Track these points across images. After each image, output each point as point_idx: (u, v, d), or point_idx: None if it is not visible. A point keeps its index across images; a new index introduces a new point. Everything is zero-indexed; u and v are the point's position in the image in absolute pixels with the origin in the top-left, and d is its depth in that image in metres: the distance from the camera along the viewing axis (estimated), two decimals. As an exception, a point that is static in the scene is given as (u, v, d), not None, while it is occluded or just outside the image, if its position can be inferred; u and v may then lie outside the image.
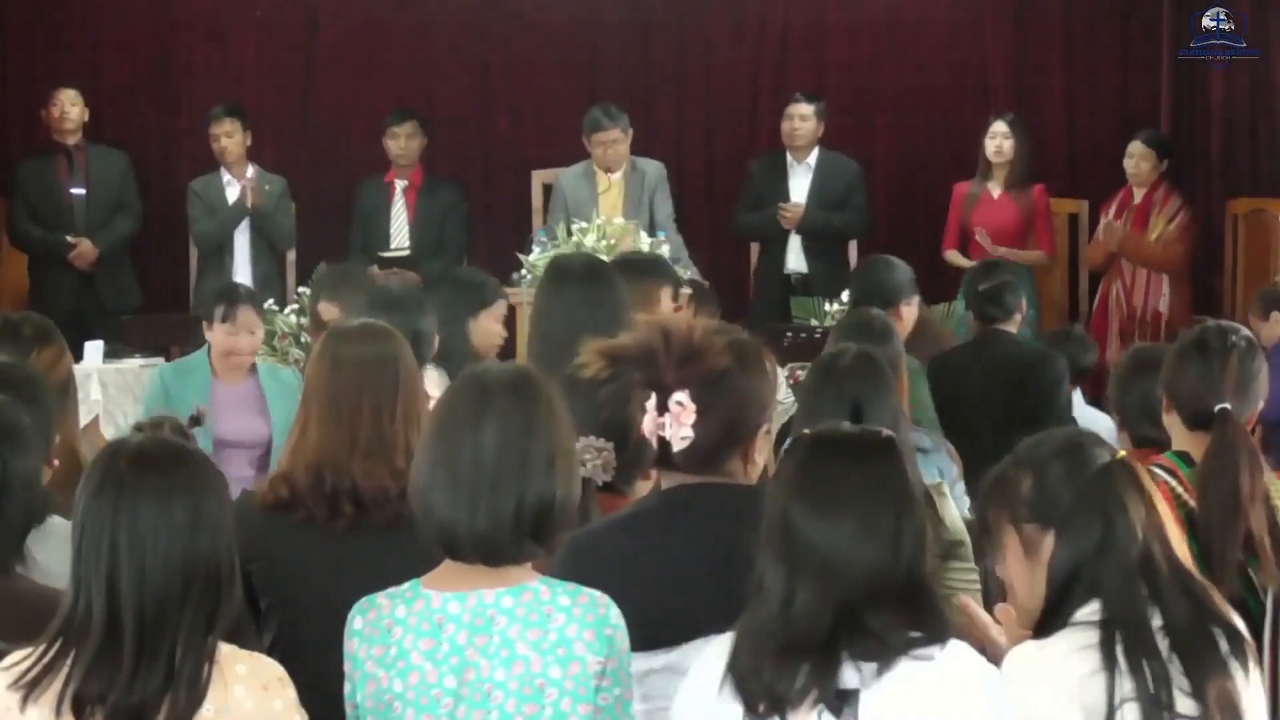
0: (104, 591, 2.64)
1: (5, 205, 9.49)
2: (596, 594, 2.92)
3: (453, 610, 2.87)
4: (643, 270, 5.23)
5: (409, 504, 2.99)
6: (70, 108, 9.28)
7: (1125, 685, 2.73)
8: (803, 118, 9.23)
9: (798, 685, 2.61)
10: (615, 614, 2.91)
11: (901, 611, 2.63)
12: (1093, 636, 2.77)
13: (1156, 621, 2.77)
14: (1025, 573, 2.89)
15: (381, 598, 2.90)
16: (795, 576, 2.64)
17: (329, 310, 6.30)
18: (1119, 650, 2.74)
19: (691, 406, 3.06)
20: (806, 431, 2.80)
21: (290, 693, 2.74)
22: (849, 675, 2.62)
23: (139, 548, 2.64)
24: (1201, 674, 2.75)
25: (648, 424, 3.08)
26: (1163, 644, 2.76)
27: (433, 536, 2.90)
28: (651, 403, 3.08)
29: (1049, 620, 2.84)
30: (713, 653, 2.74)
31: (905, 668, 2.62)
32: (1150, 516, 2.82)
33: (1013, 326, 6.58)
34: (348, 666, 2.90)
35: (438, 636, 2.85)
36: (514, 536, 2.88)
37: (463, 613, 2.86)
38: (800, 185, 9.28)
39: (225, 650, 2.70)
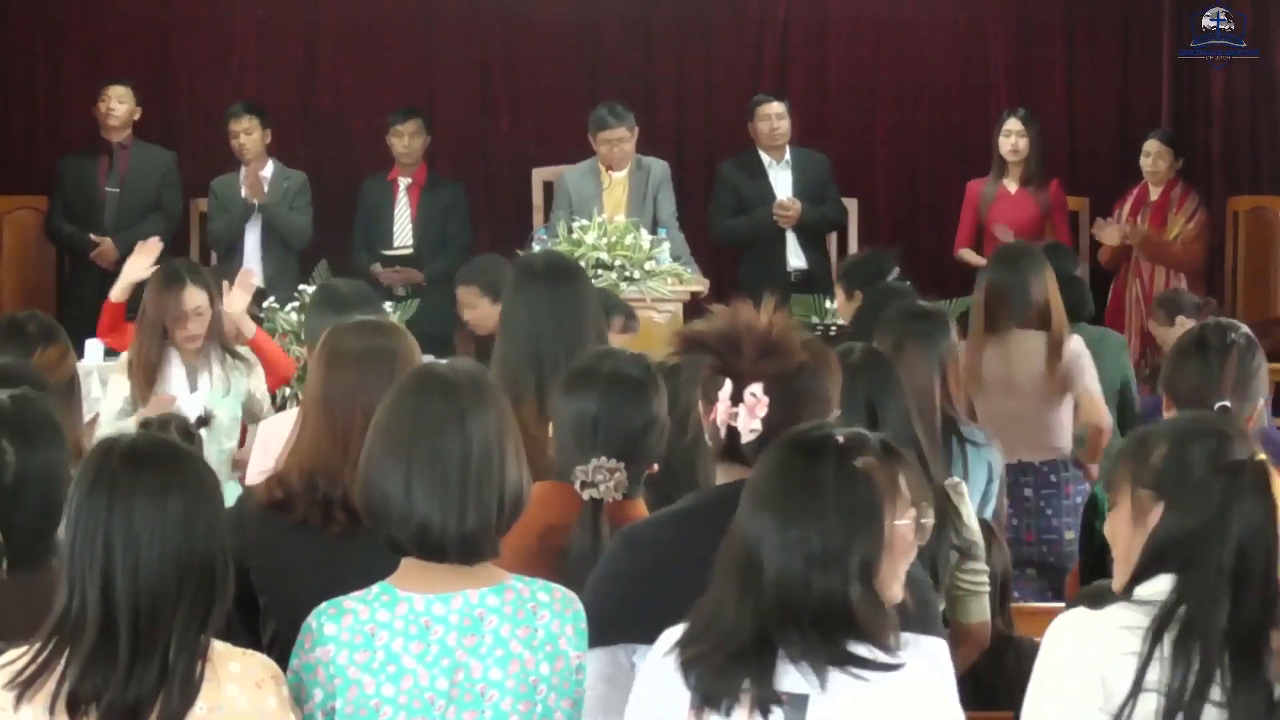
0: (98, 589, 2.63)
1: (27, 201, 9.53)
2: (566, 590, 2.96)
3: (438, 612, 2.86)
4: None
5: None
6: (118, 105, 9.28)
7: (1154, 673, 2.70)
8: (779, 116, 9.23)
9: (742, 688, 2.59)
10: (583, 609, 2.94)
11: (832, 622, 2.58)
12: (1144, 618, 2.74)
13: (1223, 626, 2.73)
14: (1126, 535, 2.86)
15: (351, 602, 2.87)
16: (722, 579, 2.64)
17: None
18: (1168, 638, 2.72)
19: (765, 399, 3.04)
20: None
21: (285, 690, 2.74)
22: (792, 680, 2.59)
23: (133, 545, 2.63)
24: (1241, 703, 2.69)
25: (720, 413, 3.07)
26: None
27: (411, 538, 2.88)
28: (727, 391, 3.07)
29: (1129, 588, 2.82)
30: (669, 636, 2.73)
31: (849, 678, 2.58)
32: (1262, 523, 2.75)
33: None
34: (319, 674, 2.84)
35: (426, 639, 2.85)
36: (496, 532, 2.91)
37: (449, 614, 2.86)
38: (783, 183, 9.29)
39: (219, 648, 2.70)
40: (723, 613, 2.62)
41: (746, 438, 3.07)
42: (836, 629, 2.58)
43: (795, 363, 3.08)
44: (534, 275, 4.67)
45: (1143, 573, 2.81)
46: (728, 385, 3.07)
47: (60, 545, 3.15)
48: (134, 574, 2.63)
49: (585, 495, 3.41)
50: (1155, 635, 2.71)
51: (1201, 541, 2.75)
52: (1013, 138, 9.11)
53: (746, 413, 3.06)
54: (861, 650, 2.58)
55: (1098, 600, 2.89)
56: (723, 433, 3.10)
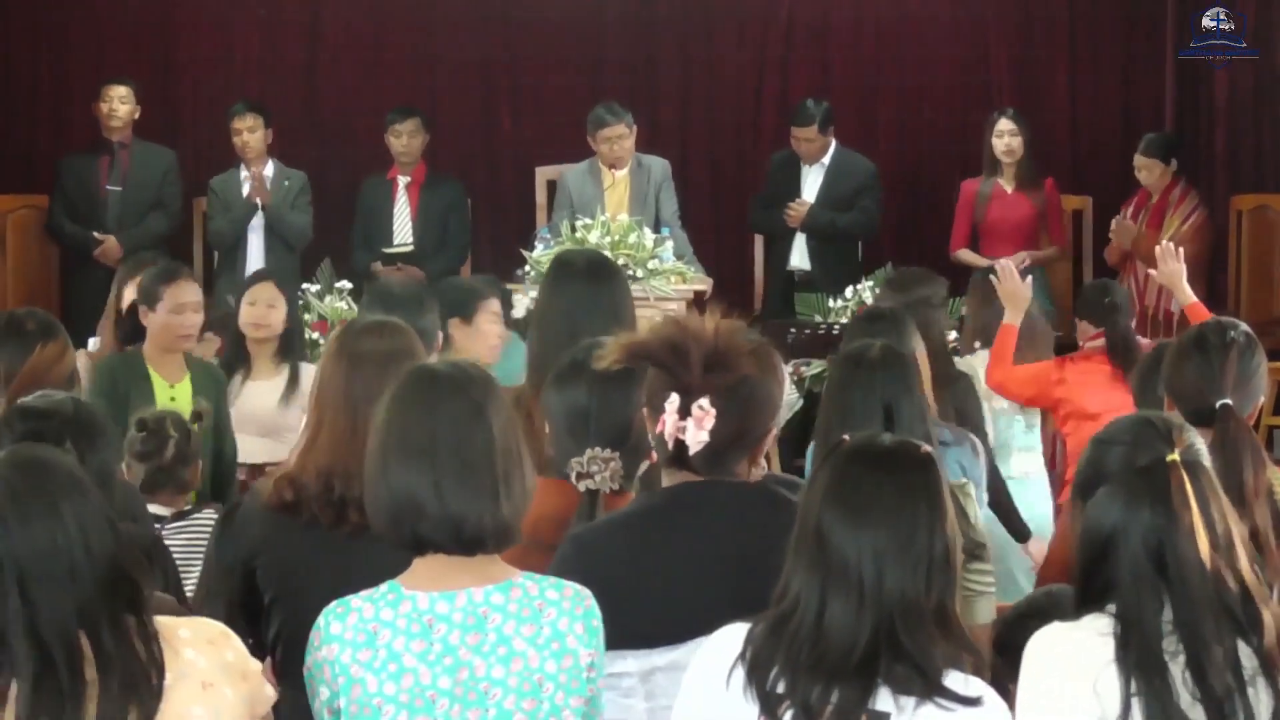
0: (22, 627, 2.58)
1: (32, 200, 9.54)
2: (578, 587, 2.95)
3: (442, 610, 2.87)
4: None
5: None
6: (120, 105, 9.30)
7: (1137, 684, 2.72)
8: (808, 140, 9.20)
9: (833, 703, 2.59)
10: (596, 606, 2.94)
11: (936, 638, 2.61)
12: (1110, 626, 2.76)
13: (1168, 623, 2.74)
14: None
15: (359, 601, 2.89)
16: (828, 589, 2.62)
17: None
18: (1131, 653, 2.73)
19: (712, 411, 3.07)
20: (846, 438, 2.77)
21: (237, 643, 2.75)
22: (883, 700, 2.60)
23: (43, 574, 2.58)
24: (1210, 692, 2.71)
25: (669, 426, 3.09)
26: (1178, 651, 2.73)
27: (447, 535, 2.88)
28: (674, 405, 3.08)
29: (1082, 592, 2.83)
30: (717, 646, 2.73)
31: (934, 707, 2.60)
32: (1165, 527, 2.75)
33: None
34: (325, 672, 2.86)
35: (429, 638, 2.85)
36: (522, 520, 2.93)
37: (453, 612, 2.87)
38: (812, 184, 9.28)
39: (164, 621, 2.68)
40: (828, 627, 2.61)
41: (695, 449, 3.09)
42: (950, 633, 2.61)
43: (741, 374, 3.10)
44: (574, 272, 4.67)
45: (1085, 575, 2.82)
46: (675, 398, 3.08)
47: None
48: (53, 603, 2.58)
49: (581, 486, 3.41)
50: (1123, 647, 2.73)
51: (1111, 549, 2.77)
52: (1005, 138, 9.11)
53: (695, 425, 3.07)
54: (949, 680, 2.60)
55: (1058, 611, 2.91)
56: (670, 444, 3.11)
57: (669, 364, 3.11)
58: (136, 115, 9.38)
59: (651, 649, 3.05)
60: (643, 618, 3.00)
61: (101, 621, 2.60)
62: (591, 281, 4.61)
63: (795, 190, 9.25)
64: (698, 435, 3.07)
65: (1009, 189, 9.19)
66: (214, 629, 2.74)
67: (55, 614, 2.58)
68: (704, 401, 3.06)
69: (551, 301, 4.64)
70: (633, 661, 3.04)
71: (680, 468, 3.14)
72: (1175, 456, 2.80)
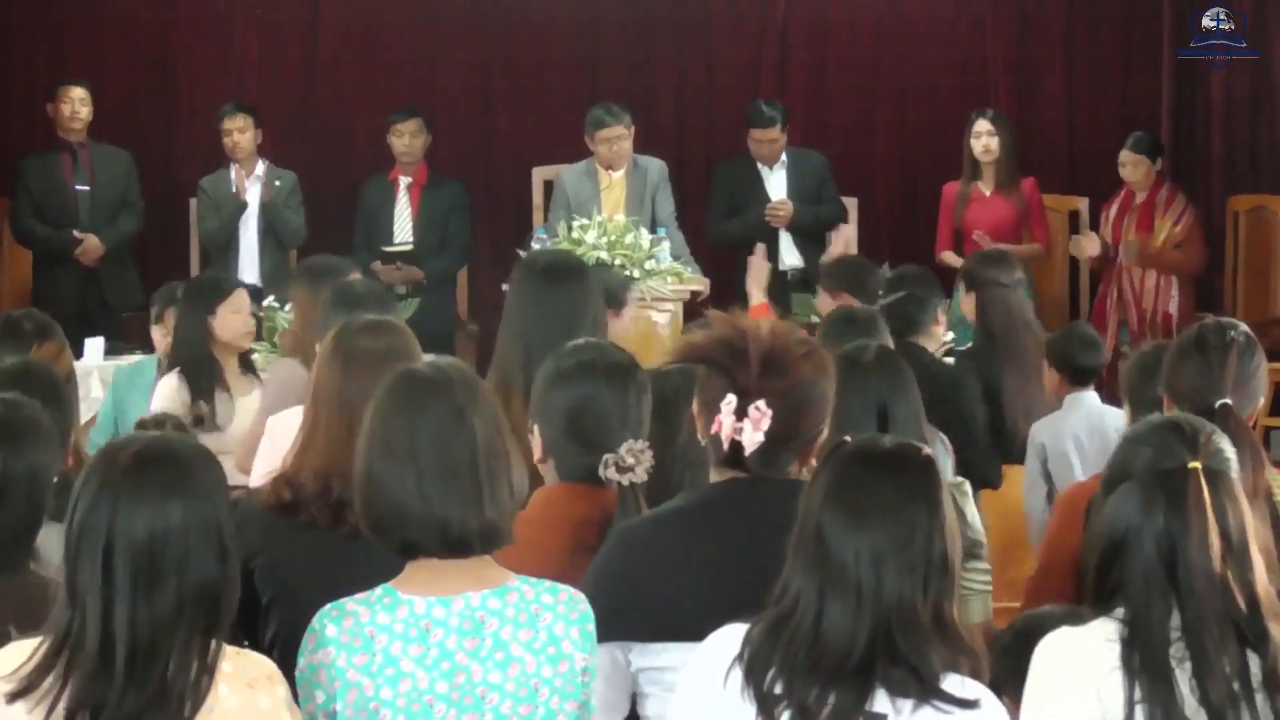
0: (99, 613, 2.60)
1: (6, 203, 9.49)
2: (573, 590, 2.96)
3: (438, 615, 2.87)
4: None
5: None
6: (80, 107, 9.28)
7: (1140, 690, 2.72)
8: (772, 141, 9.19)
9: (830, 704, 2.59)
10: (591, 611, 2.95)
11: (933, 641, 2.61)
12: (1117, 632, 2.76)
13: (1177, 628, 2.74)
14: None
15: (354, 604, 2.88)
16: (826, 591, 2.62)
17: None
18: (1136, 657, 2.73)
19: (769, 413, 3.08)
20: (847, 439, 2.77)
21: (281, 690, 2.72)
22: (881, 702, 2.61)
23: (135, 567, 2.60)
24: (1209, 703, 2.71)
25: (725, 426, 3.10)
26: (1183, 656, 2.73)
27: (433, 538, 2.88)
28: (731, 406, 3.09)
29: (1095, 591, 2.83)
30: (715, 646, 2.74)
31: (931, 709, 2.60)
32: (1180, 534, 2.75)
33: (929, 341, 6.16)
34: (320, 676, 2.85)
35: (426, 642, 2.85)
36: (510, 521, 2.92)
37: (449, 617, 2.87)
38: (778, 184, 9.27)
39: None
40: (825, 629, 2.61)
41: (751, 449, 3.10)
42: (948, 636, 2.61)
43: (798, 377, 3.12)
44: (532, 274, 4.66)
45: (1098, 576, 2.82)
46: (732, 399, 3.09)
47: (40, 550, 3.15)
48: (133, 599, 2.59)
49: (625, 480, 3.42)
50: (1127, 654, 2.73)
51: (1124, 549, 2.78)
52: (983, 139, 9.09)
53: (751, 426, 3.08)
54: (947, 684, 2.60)
55: (1074, 617, 2.90)
56: (726, 444, 3.12)
57: (726, 365, 3.12)
58: (91, 116, 9.34)
59: (696, 643, 3.05)
60: (688, 611, 3.01)
61: (172, 638, 2.60)
62: (546, 284, 4.58)
63: (761, 194, 9.23)
64: (754, 436, 3.08)
65: (987, 191, 9.17)
66: (259, 670, 2.71)
67: (130, 609, 2.58)
68: (761, 403, 3.08)
69: (510, 301, 4.63)
70: (676, 655, 3.04)
71: (733, 468, 3.15)
72: (1197, 463, 2.80)
